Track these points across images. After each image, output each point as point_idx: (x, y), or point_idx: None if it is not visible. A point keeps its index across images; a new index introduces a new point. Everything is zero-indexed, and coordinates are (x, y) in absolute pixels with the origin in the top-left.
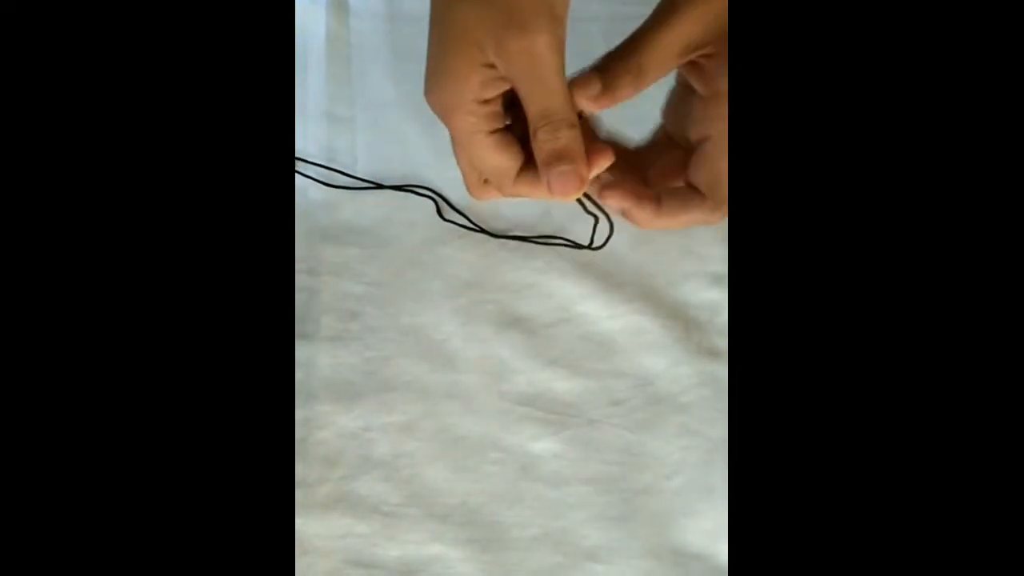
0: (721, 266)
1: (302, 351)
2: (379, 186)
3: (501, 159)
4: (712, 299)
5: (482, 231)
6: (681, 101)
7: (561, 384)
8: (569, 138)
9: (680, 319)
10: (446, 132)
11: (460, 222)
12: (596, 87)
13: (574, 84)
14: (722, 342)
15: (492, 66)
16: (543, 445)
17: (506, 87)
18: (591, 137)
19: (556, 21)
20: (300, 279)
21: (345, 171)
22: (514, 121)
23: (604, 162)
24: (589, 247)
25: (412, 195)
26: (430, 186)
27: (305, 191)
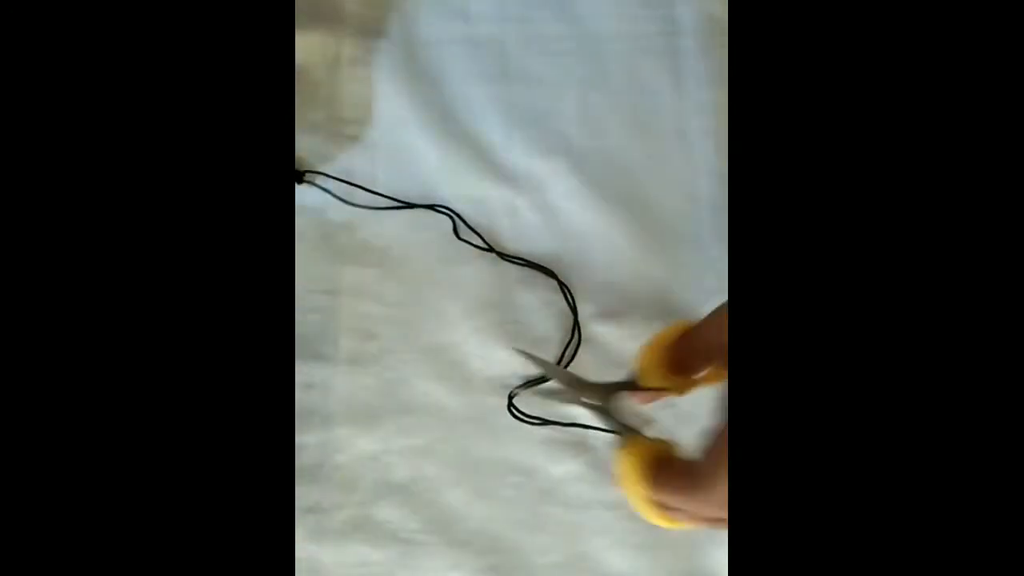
0: None
1: (319, 373)
2: (408, 205)
3: None
4: None
5: (494, 252)
6: None
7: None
8: None
9: None
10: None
11: (475, 242)
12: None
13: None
14: None
15: None
16: (564, 468)
17: None
18: None
19: None
20: (318, 300)
21: (368, 188)
22: None
23: None
24: None
25: (427, 216)
26: (446, 205)
27: (324, 211)
